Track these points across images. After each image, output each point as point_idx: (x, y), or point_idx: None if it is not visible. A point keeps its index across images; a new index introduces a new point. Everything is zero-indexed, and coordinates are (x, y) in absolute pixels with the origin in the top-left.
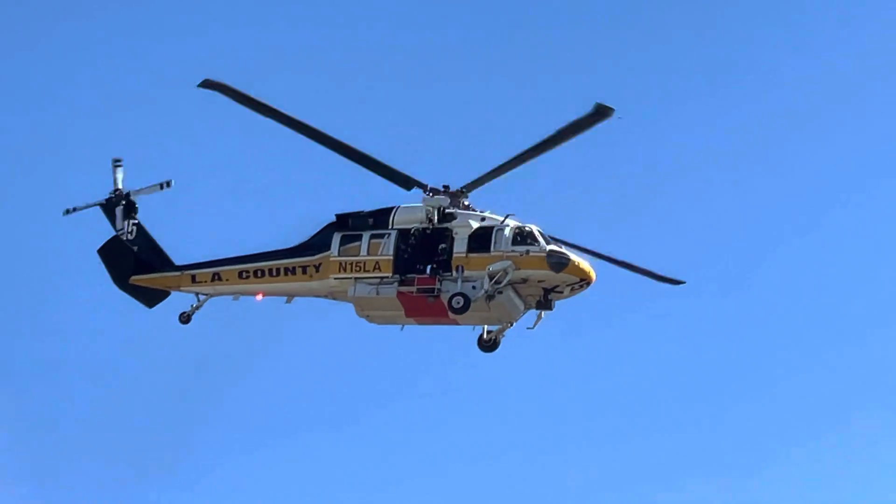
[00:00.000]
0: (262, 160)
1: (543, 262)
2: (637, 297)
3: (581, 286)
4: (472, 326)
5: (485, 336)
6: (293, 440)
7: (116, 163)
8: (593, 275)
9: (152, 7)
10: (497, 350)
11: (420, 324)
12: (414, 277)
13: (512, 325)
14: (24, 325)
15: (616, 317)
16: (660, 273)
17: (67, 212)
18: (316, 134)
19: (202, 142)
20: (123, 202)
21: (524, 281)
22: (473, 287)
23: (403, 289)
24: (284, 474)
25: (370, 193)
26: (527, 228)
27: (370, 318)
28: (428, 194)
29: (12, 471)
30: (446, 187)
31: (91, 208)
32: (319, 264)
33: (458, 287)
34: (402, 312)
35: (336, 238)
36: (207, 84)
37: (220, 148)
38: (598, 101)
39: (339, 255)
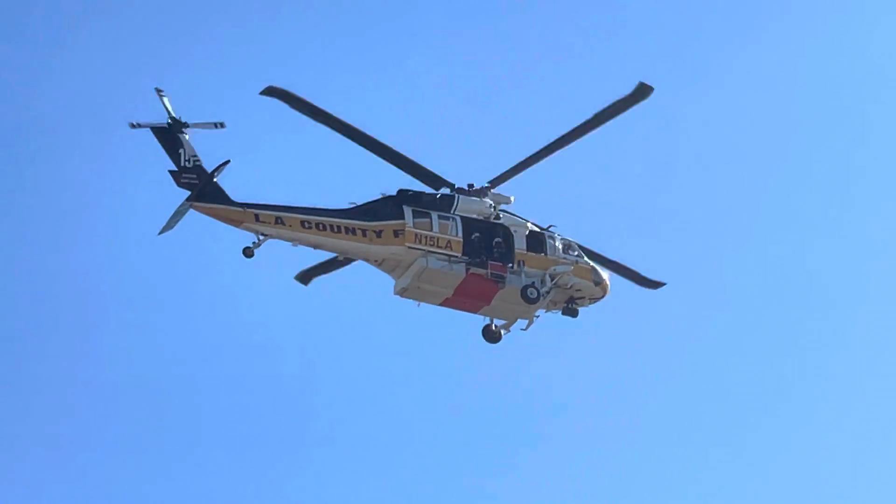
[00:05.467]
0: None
1: (589, 273)
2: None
3: (597, 300)
4: (483, 317)
5: (493, 327)
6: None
7: (160, 92)
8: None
9: None
10: (499, 343)
11: (446, 305)
12: (487, 262)
13: (514, 322)
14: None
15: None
16: (643, 274)
17: (133, 126)
18: (364, 139)
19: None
20: (186, 130)
21: (569, 287)
22: (534, 282)
23: (476, 270)
24: None
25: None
26: (570, 240)
27: (412, 290)
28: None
29: None
30: (471, 185)
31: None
32: (381, 231)
33: (524, 280)
34: (450, 291)
35: (408, 211)
36: (271, 91)
37: None
38: (641, 81)
39: (413, 226)
